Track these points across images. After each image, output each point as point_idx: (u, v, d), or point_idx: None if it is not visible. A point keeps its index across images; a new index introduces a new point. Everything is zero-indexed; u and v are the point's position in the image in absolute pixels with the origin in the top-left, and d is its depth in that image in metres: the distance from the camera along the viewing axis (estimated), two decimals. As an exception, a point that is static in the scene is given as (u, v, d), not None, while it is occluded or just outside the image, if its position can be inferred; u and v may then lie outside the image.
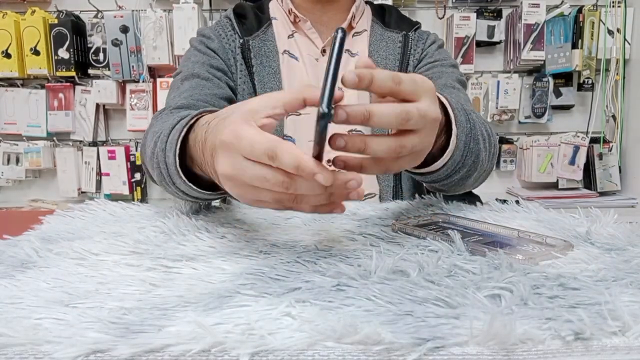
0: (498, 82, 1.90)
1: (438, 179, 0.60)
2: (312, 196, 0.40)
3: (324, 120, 0.35)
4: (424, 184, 0.72)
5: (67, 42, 1.79)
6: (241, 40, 0.87)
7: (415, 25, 0.94)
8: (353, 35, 0.91)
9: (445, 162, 0.56)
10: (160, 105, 1.85)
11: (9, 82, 1.88)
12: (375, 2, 1.00)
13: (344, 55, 0.90)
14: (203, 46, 0.87)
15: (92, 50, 1.85)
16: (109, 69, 1.84)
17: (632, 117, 1.93)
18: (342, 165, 0.44)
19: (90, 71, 1.86)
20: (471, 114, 0.65)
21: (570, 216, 0.55)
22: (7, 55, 1.78)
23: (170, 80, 1.93)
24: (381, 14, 0.95)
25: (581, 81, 1.95)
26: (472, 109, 0.82)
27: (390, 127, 0.42)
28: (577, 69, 1.88)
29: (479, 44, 1.89)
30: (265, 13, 0.91)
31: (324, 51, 0.89)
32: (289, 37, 0.90)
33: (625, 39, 1.87)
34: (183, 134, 0.53)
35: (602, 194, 1.90)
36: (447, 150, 0.55)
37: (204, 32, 0.90)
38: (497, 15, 1.89)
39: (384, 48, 0.90)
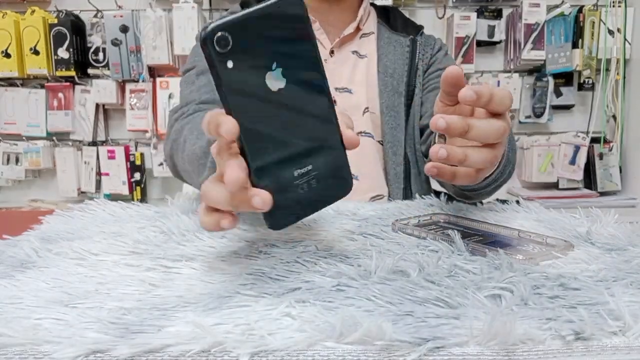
0: (498, 82, 1.90)
1: (479, 187, 0.63)
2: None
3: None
4: (452, 191, 0.71)
5: (67, 42, 1.79)
6: None
7: (420, 29, 0.94)
8: (361, 37, 0.91)
9: (493, 170, 0.58)
10: (161, 105, 1.85)
11: (9, 82, 1.88)
12: (376, 3, 1.00)
13: (353, 56, 0.90)
14: None
15: (91, 50, 1.85)
16: (108, 69, 1.84)
17: (632, 117, 1.93)
18: (435, 172, 0.45)
19: (90, 71, 1.86)
20: None
21: (570, 216, 0.55)
22: (7, 55, 1.78)
23: (170, 79, 1.94)
24: (386, 16, 0.95)
25: (581, 81, 1.95)
26: None
27: (485, 141, 0.43)
28: (577, 68, 1.88)
29: (479, 43, 1.89)
30: None
31: (332, 52, 0.89)
32: None
33: (625, 39, 1.87)
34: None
35: (602, 194, 1.90)
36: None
37: None
38: (498, 15, 1.89)
39: (392, 52, 0.90)
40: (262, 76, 0.33)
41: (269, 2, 0.33)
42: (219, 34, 0.31)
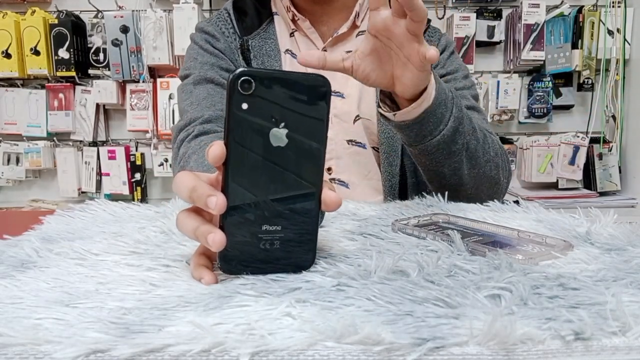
0: (498, 82, 1.90)
1: (428, 150, 0.64)
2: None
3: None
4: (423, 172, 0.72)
5: (67, 42, 1.79)
6: (240, 41, 0.85)
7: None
8: (357, 35, 0.88)
9: (425, 108, 0.60)
10: (161, 105, 1.85)
11: (9, 82, 1.88)
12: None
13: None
14: (209, 46, 0.85)
15: (92, 51, 1.85)
16: (109, 69, 1.84)
17: (632, 117, 1.93)
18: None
19: (91, 71, 1.86)
20: (470, 119, 0.69)
21: (570, 216, 0.55)
22: (7, 55, 1.78)
23: (170, 80, 1.94)
24: None
25: (581, 81, 1.95)
26: (486, 128, 0.83)
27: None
28: (577, 69, 1.88)
29: (479, 44, 1.89)
30: (266, 7, 0.88)
31: (324, 52, 0.87)
32: (290, 35, 0.87)
33: (625, 39, 1.87)
34: None
35: (602, 194, 1.91)
36: (425, 92, 0.59)
37: (207, 30, 0.87)
38: (497, 15, 1.89)
39: None
40: (267, 129, 0.35)
41: (300, 72, 0.36)
42: (246, 77, 0.34)
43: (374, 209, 0.61)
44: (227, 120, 0.34)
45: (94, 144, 1.92)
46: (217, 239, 0.34)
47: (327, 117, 0.36)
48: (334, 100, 0.85)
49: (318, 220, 0.38)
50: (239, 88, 0.34)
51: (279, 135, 0.35)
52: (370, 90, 0.85)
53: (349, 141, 0.85)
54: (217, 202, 0.34)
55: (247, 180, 0.35)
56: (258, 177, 0.35)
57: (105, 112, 1.94)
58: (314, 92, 0.35)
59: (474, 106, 0.85)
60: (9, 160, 1.91)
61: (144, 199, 1.92)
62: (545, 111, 1.91)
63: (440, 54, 0.89)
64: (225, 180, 0.35)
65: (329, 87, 0.36)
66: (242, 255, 0.36)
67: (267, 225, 0.36)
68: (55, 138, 1.92)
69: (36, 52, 1.80)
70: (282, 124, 0.35)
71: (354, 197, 0.84)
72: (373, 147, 0.86)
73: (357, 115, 0.86)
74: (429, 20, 0.91)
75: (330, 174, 0.86)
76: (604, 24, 1.86)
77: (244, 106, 0.34)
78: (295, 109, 0.35)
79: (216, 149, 0.34)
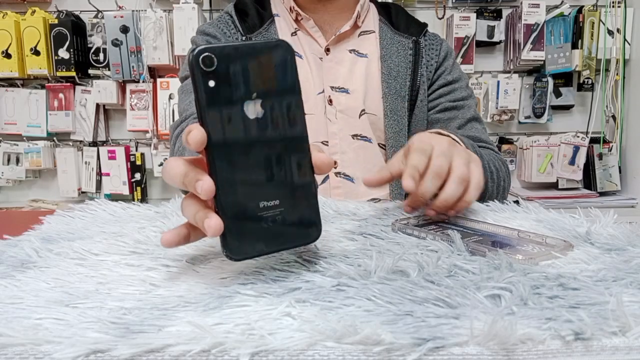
0: (498, 82, 1.90)
1: None
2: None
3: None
4: None
5: (67, 42, 1.79)
6: (243, 38, 0.86)
7: (424, 28, 0.92)
8: (360, 35, 0.89)
9: None
10: (161, 105, 1.85)
11: (9, 82, 1.88)
12: (379, 0, 0.98)
13: (351, 55, 0.89)
14: None
15: (92, 51, 1.85)
16: (109, 69, 1.84)
17: (632, 117, 1.93)
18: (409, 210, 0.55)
19: (91, 71, 1.86)
20: (480, 149, 0.71)
21: (570, 216, 0.55)
22: (7, 55, 1.78)
23: (170, 80, 1.94)
24: (387, 13, 0.93)
25: (581, 81, 1.95)
26: (486, 139, 0.86)
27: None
28: (577, 69, 1.88)
29: (479, 44, 1.89)
30: (267, 9, 0.90)
31: (327, 50, 0.88)
32: (292, 34, 0.88)
33: (625, 39, 1.87)
34: None
35: (602, 194, 1.91)
36: None
37: (208, 31, 0.88)
38: (497, 15, 1.89)
39: (395, 54, 0.88)
40: (240, 102, 0.34)
41: (259, 41, 0.35)
42: (206, 53, 0.33)
43: (374, 209, 0.61)
44: (198, 102, 0.33)
45: (94, 144, 1.92)
46: (212, 224, 0.32)
47: (297, 78, 0.35)
48: (339, 96, 0.86)
49: (315, 187, 0.36)
50: (202, 66, 0.32)
51: (253, 107, 0.34)
52: (375, 86, 0.87)
53: (354, 136, 0.86)
54: (202, 186, 0.32)
55: (233, 158, 0.33)
56: (243, 153, 0.34)
57: (105, 112, 1.94)
58: (277, 57, 0.34)
59: (476, 117, 0.88)
60: (9, 160, 1.91)
61: (144, 199, 1.92)
62: (542, 111, 1.91)
63: (443, 61, 0.91)
64: (210, 163, 0.33)
65: (290, 49, 0.35)
66: (243, 236, 0.34)
67: (265, 201, 0.34)
68: (55, 138, 1.92)
69: (36, 52, 1.80)
70: (254, 94, 0.34)
71: (359, 191, 0.85)
72: (379, 144, 0.88)
73: (363, 110, 0.87)
74: (425, 25, 0.93)
75: (335, 167, 0.87)
76: (604, 24, 1.86)
77: (211, 83, 0.33)
78: (264, 77, 0.34)
79: (196, 133, 0.32)
